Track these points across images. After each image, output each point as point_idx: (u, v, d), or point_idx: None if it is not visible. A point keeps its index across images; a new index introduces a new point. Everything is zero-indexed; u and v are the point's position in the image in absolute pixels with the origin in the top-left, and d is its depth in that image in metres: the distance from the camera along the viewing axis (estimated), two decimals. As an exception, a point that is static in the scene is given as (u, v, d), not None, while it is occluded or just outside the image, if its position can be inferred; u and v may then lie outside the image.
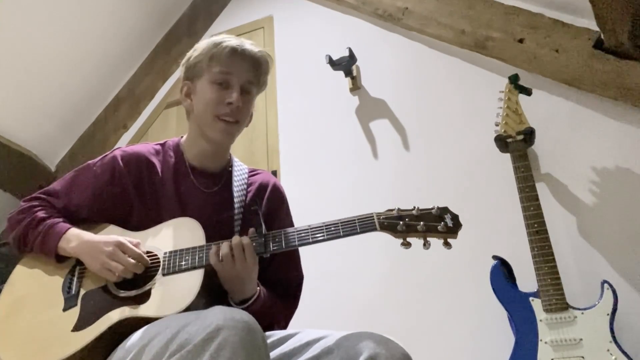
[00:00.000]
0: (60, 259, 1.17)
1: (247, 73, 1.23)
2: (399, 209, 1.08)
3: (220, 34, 1.30)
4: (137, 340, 0.94)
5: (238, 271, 1.08)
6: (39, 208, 1.22)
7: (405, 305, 1.97)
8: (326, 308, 2.04)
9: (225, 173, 1.32)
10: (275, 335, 1.10)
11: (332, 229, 1.07)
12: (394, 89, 2.35)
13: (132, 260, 1.10)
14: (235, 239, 1.09)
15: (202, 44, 1.26)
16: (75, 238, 1.15)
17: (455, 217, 1.07)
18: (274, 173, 2.44)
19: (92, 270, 1.12)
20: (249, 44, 1.25)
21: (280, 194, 1.36)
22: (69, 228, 1.17)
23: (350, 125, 2.38)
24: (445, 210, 1.08)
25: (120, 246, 1.11)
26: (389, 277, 2.03)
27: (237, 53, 1.22)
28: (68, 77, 2.87)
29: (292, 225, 1.34)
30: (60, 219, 1.20)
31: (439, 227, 1.05)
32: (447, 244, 1.06)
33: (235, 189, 1.28)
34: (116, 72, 3.10)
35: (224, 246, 1.08)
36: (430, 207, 1.08)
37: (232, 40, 1.24)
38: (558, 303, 1.54)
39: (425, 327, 1.91)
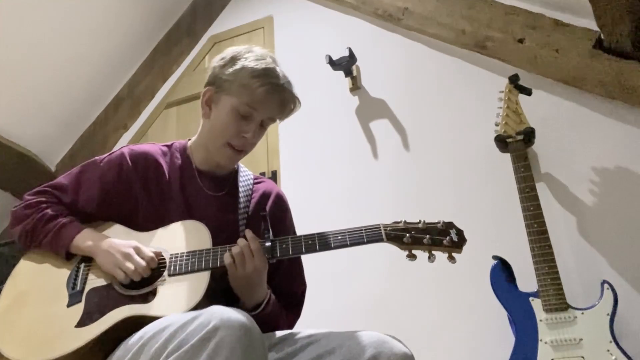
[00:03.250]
0: (69, 256, 1.17)
1: (272, 111, 1.23)
2: (405, 222, 1.10)
3: (252, 51, 1.23)
4: (136, 339, 0.94)
5: (249, 273, 1.08)
6: (47, 204, 1.21)
7: (405, 305, 1.97)
8: (327, 308, 2.04)
9: (231, 177, 1.32)
10: (277, 334, 1.11)
11: (339, 238, 1.09)
12: (394, 89, 2.35)
13: (144, 263, 1.10)
14: (242, 240, 1.10)
15: (240, 63, 1.20)
16: (92, 237, 1.15)
17: (460, 232, 1.10)
18: (274, 173, 2.44)
19: (102, 267, 1.12)
20: (285, 83, 1.21)
21: (283, 203, 1.36)
22: (83, 228, 1.17)
23: (350, 125, 2.38)
24: (450, 225, 1.10)
25: (137, 250, 1.12)
26: (390, 277, 2.03)
27: (271, 93, 1.19)
28: (68, 77, 2.87)
29: (294, 234, 1.35)
30: (72, 217, 1.20)
31: (444, 242, 1.07)
32: (451, 258, 1.08)
33: (240, 193, 1.28)
34: (116, 72, 3.10)
35: (236, 247, 1.09)
36: (436, 221, 1.11)
37: (269, 77, 1.18)
38: (558, 303, 1.54)
39: (425, 327, 1.91)
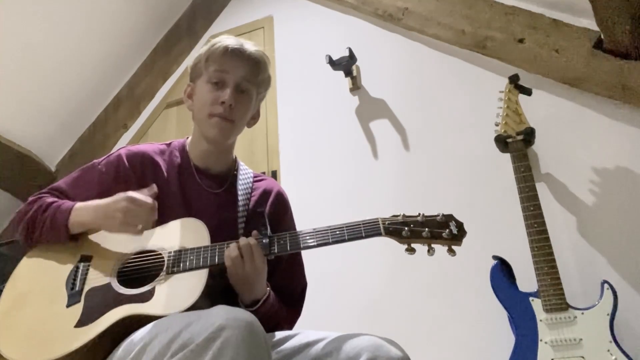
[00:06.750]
0: (72, 238, 1.16)
1: (241, 71, 1.24)
2: (404, 215, 1.08)
3: (222, 35, 1.31)
4: (138, 338, 0.94)
5: (247, 272, 1.08)
6: (47, 196, 1.22)
7: (405, 306, 1.97)
8: (327, 309, 2.04)
9: (230, 175, 1.32)
10: (275, 336, 1.11)
11: (337, 233, 1.08)
12: (394, 89, 2.35)
13: (147, 210, 1.11)
14: (243, 239, 1.10)
15: (205, 46, 1.29)
16: (85, 209, 1.15)
17: (460, 225, 1.08)
18: (274, 173, 2.44)
19: (112, 231, 1.13)
20: (245, 43, 1.27)
21: (284, 200, 1.36)
22: (74, 204, 1.17)
23: (350, 125, 2.38)
24: (450, 217, 1.09)
25: (131, 200, 1.11)
26: (389, 278, 2.03)
27: (230, 51, 1.23)
28: (68, 77, 2.87)
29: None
30: (67, 200, 1.20)
31: (443, 234, 1.05)
32: (451, 251, 1.07)
33: (239, 191, 1.28)
34: (116, 72, 3.10)
35: (232, 247, 1.09)
36: (435, 214, 1.09)
37: (228, 40, 1.26)
38: (558, 303, 1.54)
39: (425, 327, 1.91)
